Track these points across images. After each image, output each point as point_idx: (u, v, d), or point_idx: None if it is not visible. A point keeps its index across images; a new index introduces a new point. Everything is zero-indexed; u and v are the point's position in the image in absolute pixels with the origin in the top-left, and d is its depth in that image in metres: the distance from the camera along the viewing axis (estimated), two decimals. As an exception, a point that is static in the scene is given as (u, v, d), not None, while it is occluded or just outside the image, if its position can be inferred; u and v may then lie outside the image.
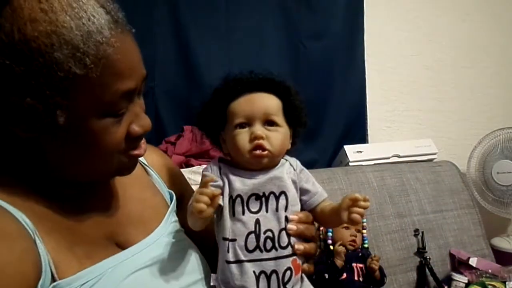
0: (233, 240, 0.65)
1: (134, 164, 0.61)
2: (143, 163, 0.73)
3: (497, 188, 1.49)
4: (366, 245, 1.10)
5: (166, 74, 1.21)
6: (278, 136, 0.71)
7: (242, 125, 0.70)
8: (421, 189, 1.34)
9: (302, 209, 0.72)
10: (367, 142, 1.53)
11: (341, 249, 1.01)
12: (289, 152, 0.77)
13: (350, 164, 1.34)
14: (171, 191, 0.74)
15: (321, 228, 1.10)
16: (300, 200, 0.72)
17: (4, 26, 0.43)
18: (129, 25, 0.52)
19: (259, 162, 0.70)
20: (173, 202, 0.72)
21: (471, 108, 1.77)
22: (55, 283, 0.49)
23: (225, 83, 0.76)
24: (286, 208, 0.68)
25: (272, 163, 0.72)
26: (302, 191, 0.72)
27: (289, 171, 0.73)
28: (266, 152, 0.68)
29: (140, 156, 0.60)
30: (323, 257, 1.02)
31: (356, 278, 1.00)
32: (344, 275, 0.99)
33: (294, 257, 0.67)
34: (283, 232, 0.66)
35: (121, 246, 0.60)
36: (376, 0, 1.54)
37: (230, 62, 1.28)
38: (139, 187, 0.68)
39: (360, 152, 1.37)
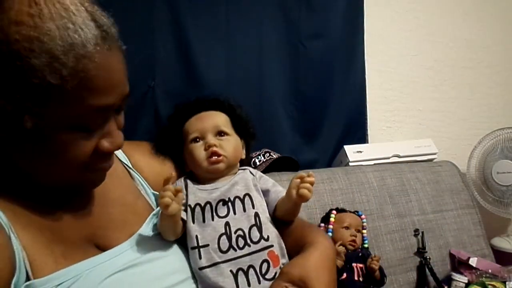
0: (205, 246, 0.68)
1: (101, 179, 0.60)
2: (127, 165, 0.73)
3: (497, 188, 1.49)
4: (366, 245, 1.10)
5: (166, 74, 1.21)
6: (229, 143, 0.78)
7: (196, 140, 0.78)
8: (421, 189, 1.34)
9: (268, 210, 0.76)
10: (367, 142, 1.53)
11: (341, 249, 1.01)
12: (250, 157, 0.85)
13: (350, 164, 1.34)
14: (157, 193, 0.74)
15: (321, 228, 1.10)
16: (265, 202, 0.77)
17: None
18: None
19: (216, 169, 0.76)
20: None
21: (471, 108, 1.77)
22: (28, 283, 0.48)
23: (176, 109, 0.86)
24: (253, 206, 0.73)
25: (229, 169, 0.78)
26: (264, 193, 0.77)
27: (249, 177, 0.78)
28: (221, 157, 0.75)
29: (105, 171, 0.59)
30: (323, 257, 1.01)
31: (356, 278, 1.00)
32: (344, 275, 0.99)
33: (270, 249, 0.69)
34: (254, 228, 0.70)
35: (101, 248, 0.59)
36: (376, 0, 1.54)
37: (230, 62, 1.28)
38: (122, 190, 0.68)
39: (360, 152, 1.37)
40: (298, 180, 0.70)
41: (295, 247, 0.72)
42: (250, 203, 0.73)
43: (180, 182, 0.78)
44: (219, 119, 0.81)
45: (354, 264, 1.01)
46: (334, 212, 1.11)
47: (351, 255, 1.03)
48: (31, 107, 0.45)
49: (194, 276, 0.68)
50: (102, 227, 0.61)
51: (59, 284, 0.50)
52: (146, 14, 1.17)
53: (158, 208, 0.70)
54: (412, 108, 1.66)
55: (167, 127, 0.84)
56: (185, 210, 0.71)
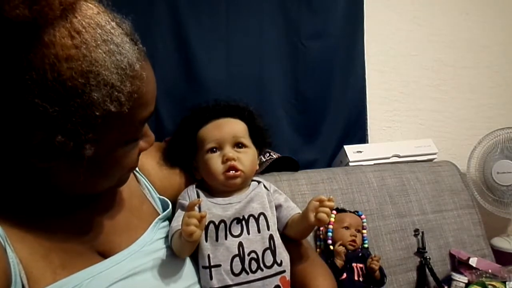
0: (217, 266, 0.66)
1: (129, 177, 0.61)
2: None
3: (497, 188, 1.49)
4: (366, 245, 1.10)
5: (166, 74, 1.21)
6: (248, 157, 0.74)
7: (213, 150, 0.74)
8: (421, 189, 1.34)
9: (278, 226, 0.73)
10: (367, 142, 1.53)
11: (341, 249, 1.01)
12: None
13: (350, 164, 1.34)
14: (164, 198, 0.73)
15: (321, 228, 1.10)
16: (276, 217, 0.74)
17: (34, 62, 0.39)
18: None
19: (233, 183, 0.72)
20: (167, 210, 0.70)
21: (471, 108, 1.77)
22: None
23: (192, 112, 0.80)
24: (268, 227, 0.70)
25: (244, 183, 0.75)
26: (276, 207, 0.74)
27: (264, 193, 0.75)
28: (239, 172, 0.72)
29: (136, 167, 0.61)
30: (323, 257, 1.01)
31: (356, 278, 1.00)
32: (344, 275, 0.99)
33: (283, 274, 0.68)
34: (268, 252, 0.68)
35: (104, 255, 0.57)
36: (376, 0, 1.54)
37: (230, 62, 1.28)
38: (127, 194, 0.67)
39: (360, 152, 1.37)
40: (317, 203, 0.67)
41: (296, 278, 0.72)
42: (265, 223, 0.70)
43: (192, 192, 0.74)
44: (238, 128, 0.76)
45: (354, 264, 1.01)
46: (334, 212, 1.11)
47: (351, 255, 1.03)
48: (92, 137, 0.45)
49: (199, 281, 0.67)
50: (105, 232, 0.60)
51: None
52: (146, 14, 1.17)
53: (164, 213, 0.69)
54: (412, 108, 1.66)
55: (181, 131, 0.80)
56: None
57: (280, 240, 0.71)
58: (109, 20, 0.45)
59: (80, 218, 0.58)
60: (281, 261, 0.68)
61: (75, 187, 0.53)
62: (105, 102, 0.43)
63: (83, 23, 0.42)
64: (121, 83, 0.44)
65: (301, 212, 0.73)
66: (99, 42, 0.42)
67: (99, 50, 0.42)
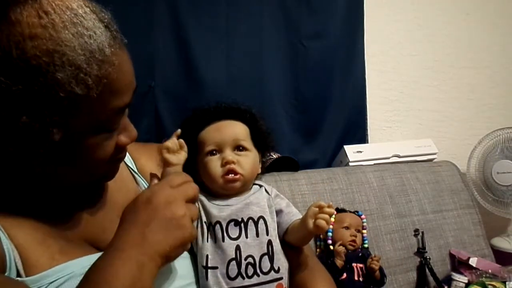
0: (214, 268, 0.65)
1: (116, 170, 0.60)
2: (132, 169, 0.72)
3: (497, 188, 1.49)
4: (366, 245, 1.10)
5: (166, 74, 1.21)
6: (248, 160, 0.73)
7: (212, 152, 0.73)
8: (421, 189, 1.34)
9: (278, 232, 0.72)
10: (367, 142, 1.53)
11: (341, 249, 1.01)
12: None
13: (350, 164, 1.34)
14: None
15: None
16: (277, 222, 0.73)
17: (0, 40, 0.40)
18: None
19: (232, 187, 0.71)
20: None
21: (471, 108, 1.77)
22: (19, 279, 0.47)
23: (194, 114, 0.79)
24: (267, 232, 0.69)
25: (244, 187, 0.74)
26: (276, 213, 0.73)
27: (265, 197, 0.74)
28: (238, 176, 0.71)
29: (121, 161, 0.60)
30: (323, 257, 1.02)
31: (356, 278, 1.00)
32: (344, 275, 0.99)
33: (279, 281, 0.66)
34: (265, 257, 0.67)
35: (101, 250, 0.57)
36: (376, 0, 1.54)
37: (230, 62, 1.28)
38: (126, 194, 0.66)
39: (360, 152, 1.37)
40: (317, 209, 0.66)
41: (296, 286, 0.71)
42: (264, 228, 0.69)
43: None
44: (238, 131, 0.75)
45: (354, 264, 1.01)
46: (334, 212, 1.11)
47: (351, 255, 1.03)
48: (59, 120, 0.44)
49: (198, 281, 0.66)
50: (104, 230, 0.60)
51: (52, 282, 0.49)
52: (146, 14, 1.17)
53: None
54: (412, 108, 1.66)
55: (182, 133, 0.78)
56: (196, 226, 0.68)
57: (280, 246, 0.70)
58: (83, 5, 0.45)
59: (77, 217, 0.58)
60: (278, 267, 0.67)
61: (56, 178, 0.53)
62: (70, 83, 0.43)
63: (53, 4, 0.42)
64: (87, 65, 0.43)
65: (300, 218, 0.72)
66: (67, 24, 0.42)
67: (66, 31, 0.42)
